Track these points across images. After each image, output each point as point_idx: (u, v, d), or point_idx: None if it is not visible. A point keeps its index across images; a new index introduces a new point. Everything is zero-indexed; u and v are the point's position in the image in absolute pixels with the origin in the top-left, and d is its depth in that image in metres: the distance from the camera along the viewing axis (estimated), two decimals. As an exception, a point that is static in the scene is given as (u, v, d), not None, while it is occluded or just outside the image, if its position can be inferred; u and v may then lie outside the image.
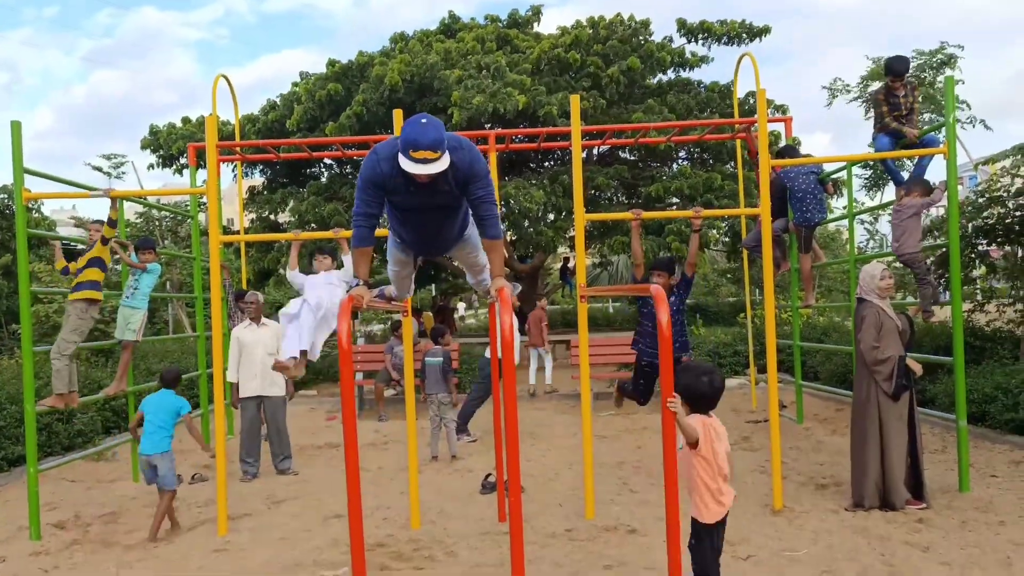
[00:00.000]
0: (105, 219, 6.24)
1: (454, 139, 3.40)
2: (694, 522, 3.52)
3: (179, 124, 15.07)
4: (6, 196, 19.21)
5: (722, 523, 3.54)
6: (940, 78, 16.61)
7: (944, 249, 7.51)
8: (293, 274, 6.46)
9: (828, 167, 7.65)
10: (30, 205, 6.41)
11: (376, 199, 3.48)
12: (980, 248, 9.41)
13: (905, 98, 6.56)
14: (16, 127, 5.69)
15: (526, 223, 13.70)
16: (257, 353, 7.30)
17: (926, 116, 15.56)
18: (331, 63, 14.40)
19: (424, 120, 3.16)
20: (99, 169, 18.69)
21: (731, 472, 3.56)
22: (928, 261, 6.36)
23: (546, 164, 15.66)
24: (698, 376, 3.50)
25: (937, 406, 7.96)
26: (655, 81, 15.46)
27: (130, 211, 15.58)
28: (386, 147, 3.44)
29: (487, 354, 8.98)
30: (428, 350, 8.16)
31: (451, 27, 16.14)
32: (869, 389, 5.48)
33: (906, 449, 5.41)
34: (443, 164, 3.18)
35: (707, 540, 3.52)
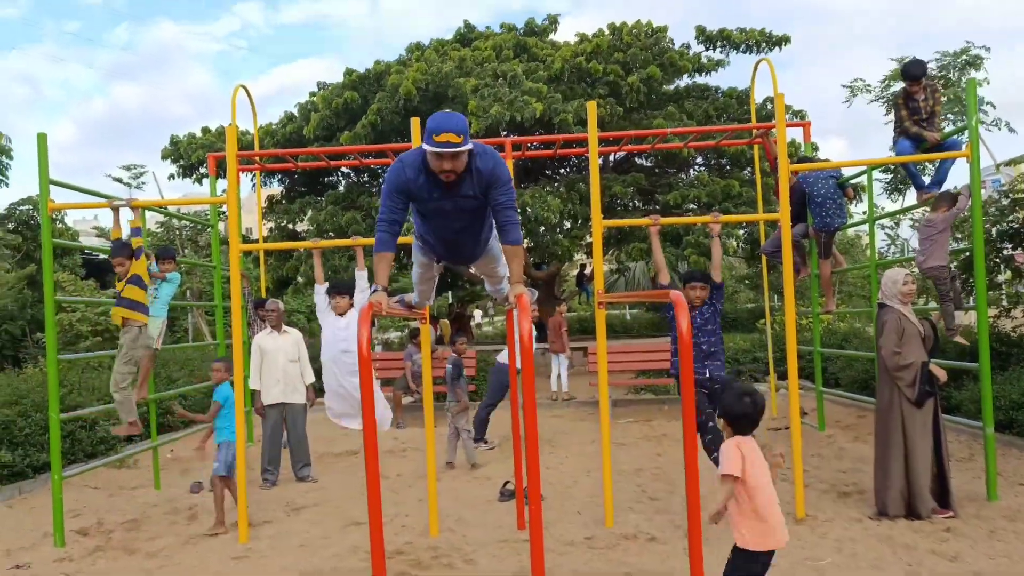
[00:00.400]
0: (123, 246, 6.06)
1: (478, 146, 3.50)
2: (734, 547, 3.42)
3: (199, 134, 15.23)
4: (31, 207, 19.54)
5: (767, 553, 3.38)
6: (965, 79, 16.44)
7: (968, 253, 7.42)
8: (320, 302, 6.34)
9: (848, 171, 7.59)
10: (54, 216, 6.49)
11: (400, 205, 3.56)
12: (1005, 252, 9.27)
13: (925, 101, 6.50)
14: (42, 139, 5.77)
15: (542, 230, 13.70)
16: (279, 360, 7.34)
17: (950, 118, 15.38)
18: (348, 72, 14.50)
19: (447, 111, 3.35)
20: (119, 180, 18.94)
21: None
22: (952, 279, 6.22)
23: (562, 171, 15.66)
24: (740, 397, 3.46)
25: (963, 413, 7.84)
26: (672, 87, 15.43)
27: (151, 221, 15.75)
28: (411, 155, 3.57)
29: (500, 359, 9.00)
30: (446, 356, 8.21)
31: (467, 36, 16.20)
32: (892, 395, 5.41)
33: (931, 457, 5.33)
34: (465, 147, 3.30)
35: (738, 569, 3.38)
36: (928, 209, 6.50)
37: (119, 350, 6.08)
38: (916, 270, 6.81)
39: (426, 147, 3.31)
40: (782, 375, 11.20)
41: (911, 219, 18.09)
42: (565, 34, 27.47)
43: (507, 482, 6.58)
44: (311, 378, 7.51)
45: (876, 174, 14.07)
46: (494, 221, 3.66)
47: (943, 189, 6.75)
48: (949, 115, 15.26)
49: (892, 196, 18.37)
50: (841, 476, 6.66)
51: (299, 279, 15.03)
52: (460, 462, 7.73)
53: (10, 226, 19.50)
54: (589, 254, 17.77)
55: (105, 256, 6.65)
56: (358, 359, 3.00)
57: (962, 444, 7.60)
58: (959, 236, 9.38)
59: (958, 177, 23.39)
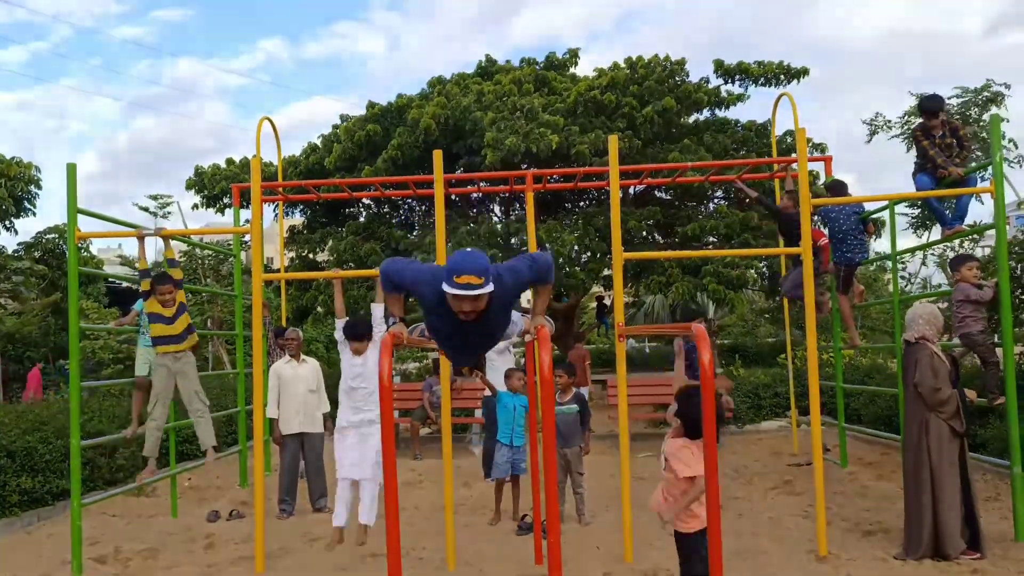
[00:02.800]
0: (167, 276, 6.08)
1: (495, 270, 3.28)
2: (686, 536, 3.91)
3: (223, 165, 15.48)
4: (57, 236, 19.87)
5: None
6: (986, 116, 16.34)
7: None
8: (340, 335, 5.92)
9: (869, 207, 7.55)
10: (80, 244, 6.59)
11: (405, 289, 3.47)
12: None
13: (943, 137, 6.46)
14: (71, 169, 5.90)
15: (560, 261, 13.72)
16: (299, 390, 7.35)
17: (979, 154, 15.28)
18: (370, 105, 14.72)
19: (469, 250, 3.18)
20: (146, 209, 19.25)
21: None
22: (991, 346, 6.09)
23: (581, 204, 15.72)
24: (691, 400, 3.78)
25: (989, 451, 7.68)
26: (691, 120, 15.50)
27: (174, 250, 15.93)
28: (432, 276, 3.33)
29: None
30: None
31: (488, 70, 16.42)
32: (920, 433, 5.34)
33: (959, 496, 5.23)
34: (486, 290, 3.09)
35: (703, 548, 3.69)
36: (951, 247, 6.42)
37: (188, 374, 6.11)
38: (943, 305, 6.72)
39: (446, 288, 3.10)
40: (803, 410, 11.07)
41: (934, 255, 17.91)
42: (586, 68, 27.78)
43: (524, 515, 6.52)
44: (327, 407, 7.51)
45: (901, 209, 13.97)
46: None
47: (964, 224, 6.71)
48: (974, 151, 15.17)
49: (918, 232, 18.16)
50: (865, 514, 6.53)
51: (319, 308, 15.12)
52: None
53: (37, 254, 19.82)
54: (606, 286, 17.76)
55: (128, 284, 6.73)
56: (378, 389, 3.01)
57: (988, 483, 7.44)
58: (983, 276, 9.27)
59: (981, 214, 23.14)
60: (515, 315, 3.98)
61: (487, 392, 7.31)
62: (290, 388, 7.35)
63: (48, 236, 20.31)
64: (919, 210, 16.90)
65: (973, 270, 5.90)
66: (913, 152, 6.87)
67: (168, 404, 6.20)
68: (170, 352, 6.08)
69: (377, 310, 6.01)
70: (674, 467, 3.90)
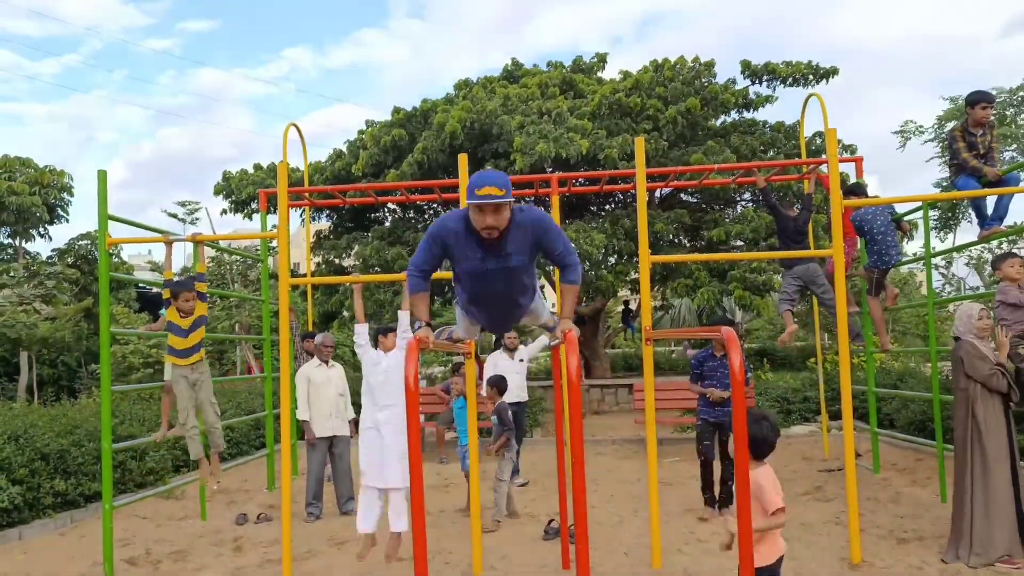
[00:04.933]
0: (190, 284, 6.05)
1: (516, 206, 3.45)
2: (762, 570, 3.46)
3: (251, 171, 15.64)
4: (89, 242, 20.22)
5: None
6: (1022, 116, 16.05)
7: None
8: (360, 339, 5.84)
9: (899, 208, 7.42)
10: (111, 250, 6.66)
11: (435, 255, 3.52)
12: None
13: (983, 136, 6.35)
14: (102, 176, 5.98)
15: (587, 265, 13.67)
16: (330, 393, 7.41)
17: (1007, 155, 15.04)
18: (396, 110, 14.79)
19: (489, 168, 3.31)
20: (175, 216, 19.50)
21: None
22: None
23: (607, 207, 15.66)
24: (757, 421, 3.52)
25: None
26: (719, 123, 15.38)
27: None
28: (454, 212, 3.56)
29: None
30: None
31: (514, 73, 16.42)
32: (966, 434, 5.27)
33: (1009, 494, 5.15)
34: (507, 199, 3.27)
35: None
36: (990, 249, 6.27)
37: (205, 385, 6.07)
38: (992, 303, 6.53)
39: (469, 202, 3.27)
40: (833, 415, 10.89)
41: (968, 256, 17.62)
42: (613, 72, 27.61)
43: (551, 520, 6.48)
44: (352, 413, 7.55)
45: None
46: (556, 266, 3.59)
47: (1003, 224, 6.56)
48: (1005, 152, 14.94)
49: (942, 233, 17.90)
50: (899, 522, 6.40)
51: (345, 313, 15.20)
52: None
53: (69, 260, 20.19)
54: (633, 290, 17.65)
55: (158, 289, 6.78)
56: (404, 393, 2.99)
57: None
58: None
59: (1017, 214, 22.74)
60: (543, 302, 3.95)
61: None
62: (321, 391, 7.40)
63: (80, 243, 20.69)
64: (940, 211, 16.67)
65: (1015, 267, 5.74)
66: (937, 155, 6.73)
67: (196, 411, 6.19)
68: (180, 364, 5.99)
69: (404, 317, 5.99)
70: (772, 499, 3.51)
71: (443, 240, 3.48)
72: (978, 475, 5.22)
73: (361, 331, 5.79)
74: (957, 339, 5.45)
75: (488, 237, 3.35)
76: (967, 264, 18.53)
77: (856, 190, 7.56)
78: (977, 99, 6.42)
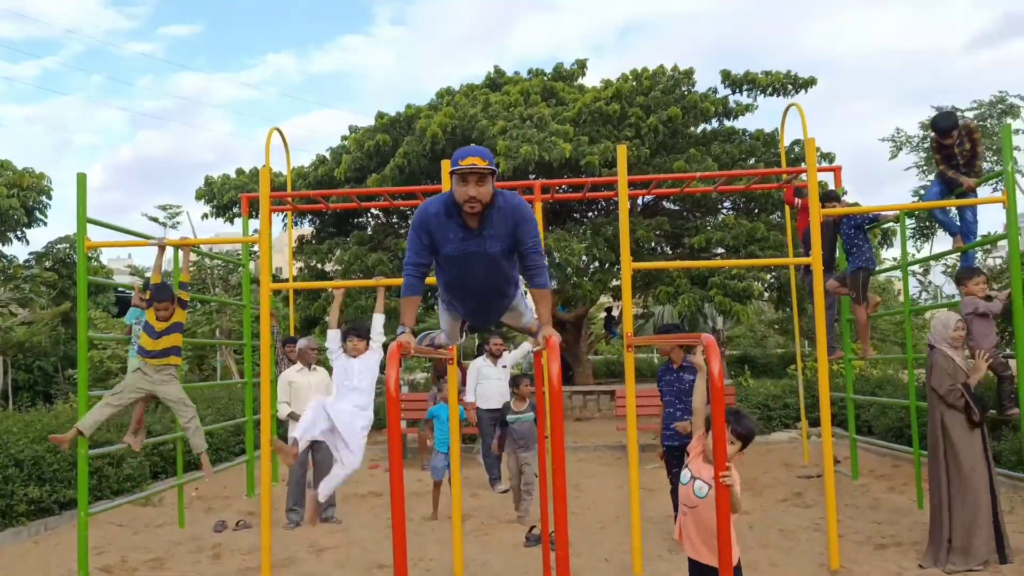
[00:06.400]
0: (168, 290, 5.99)
1: (499, 191, 3.47)
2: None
3: (233, 175, 15.54)
4: (67, 246, 19.97)
5: None
6: (1001, 126, 16.34)
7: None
8: (332, 345, 5.82)
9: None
10: (90, 254, 6.60)
11: (424, 245, 3.50)
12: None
13: (960, 147, 6.42)
14: (81, 179, 5.92)
15: (568, 272, 13.70)
16: (311, 398, 7.33)
17: (986, 166, 15.30)
18: (380, 115, 14.77)
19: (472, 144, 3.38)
20: (155, 219, 19.32)
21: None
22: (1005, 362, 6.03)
23: (590, 215, 15.71)
24: (749, 418, 3.61)
25: (1003, 464, 7.61)
26: (699, 131, 15.49)
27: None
28: (436, 197, 3.56)
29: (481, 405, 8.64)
30: None
31: (496, 81, 16.46)
32: (937, 441, 5.37)
33: (986, 498, 5.23)
34: (491, 169, 3.29)
35: None
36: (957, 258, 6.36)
37: (177, 395, 5.97)
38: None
39: (452, 170, 3.28)
40: (813, 422, 10.98)
41: (944, 264, 17.86)
42: (593, 79, 27.81)
43: (533, 527, 6.48)
44: None
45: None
46: (521, 266, 3.59)
47: (976, 237, 6.65)
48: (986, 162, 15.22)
49: (919, 242, 18.16)
50: (877, 527, 6.46)
51: (327, 319, 15.12)
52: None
53: (47, 264, 19.92)
54: (614, 296, 17.71)
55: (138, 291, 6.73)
56: (386, 399, 2.98)
57: (1003, 497, 7.33)
58: (995, 286, 9.21)
59: (993, 223, 23.10)
60: (527, 301, 3.93)
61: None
62: (302, 396, 7.34)
63: (58, 246, 20.43)
64: (915, 220, 16.92)
65: (980, 285, 5.82)
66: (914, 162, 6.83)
67: (130, 402, 5.94)
68: (148, 362, 5.89)
69: (378, 320, 5.97)
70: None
71: (427, 226, 3.45)
72: (955, 482, 5.29)
73: (334, 337, 5.75)
74: (932, 347, 5.53)
75: (471, 211, 3.32)
76: (944, 272, 18.80)
77: (829, 197, 7.62)
78: (933, 127, 6.55)
